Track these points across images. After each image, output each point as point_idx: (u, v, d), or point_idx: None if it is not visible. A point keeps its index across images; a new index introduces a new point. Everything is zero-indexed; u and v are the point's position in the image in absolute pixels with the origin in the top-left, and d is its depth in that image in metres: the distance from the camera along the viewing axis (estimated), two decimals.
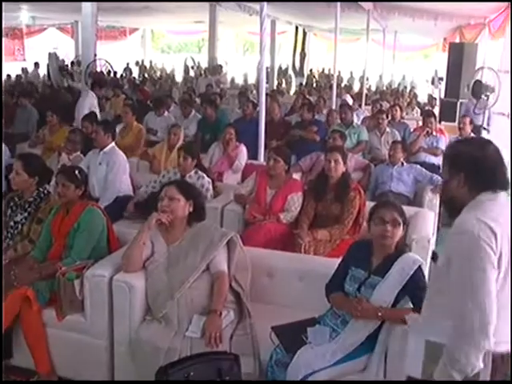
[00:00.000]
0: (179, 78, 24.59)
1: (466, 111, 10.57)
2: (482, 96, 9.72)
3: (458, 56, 12.60)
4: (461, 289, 2.36)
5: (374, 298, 3.38)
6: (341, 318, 3.50)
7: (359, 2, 12.87)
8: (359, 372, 3.34)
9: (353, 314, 3.37)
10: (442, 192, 2.67)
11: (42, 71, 22.00)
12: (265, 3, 7.08)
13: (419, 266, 3.39)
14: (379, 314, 3.31)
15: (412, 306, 3.34)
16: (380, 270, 3.46)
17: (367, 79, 18.04)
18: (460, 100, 11.76)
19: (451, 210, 2.63)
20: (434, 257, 2.61)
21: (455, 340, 2.35)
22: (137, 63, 27.75)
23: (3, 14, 20.46)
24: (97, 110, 9.27)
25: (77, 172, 4.35)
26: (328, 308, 3.65)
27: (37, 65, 22.30)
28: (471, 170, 2.50)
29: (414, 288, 3.31)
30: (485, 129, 10.21)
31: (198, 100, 12.74)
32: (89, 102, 9.58)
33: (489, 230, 2.37)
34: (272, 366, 3.41)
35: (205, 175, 5.86)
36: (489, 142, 2.63)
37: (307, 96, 14.37)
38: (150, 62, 28.78)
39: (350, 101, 12.60)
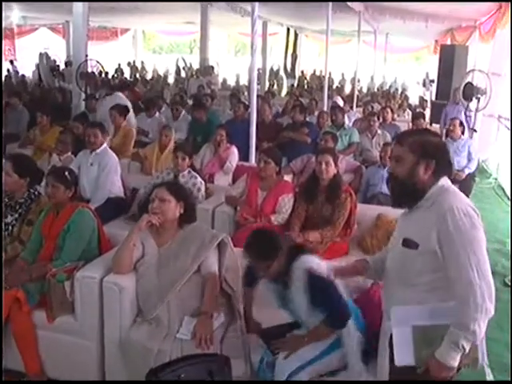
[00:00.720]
0: (171, 78, 24.55)
1: (449, 114, 10.63)
2: (473, 98, 9.78)
3: (449, 58, 12.73)
4: (465, 264, 2.48)
5: (295, 311, 3.46)
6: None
7: (350, 4, 12.87)
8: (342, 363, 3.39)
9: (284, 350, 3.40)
10: (397, 178, 2.72)
11: (28, 71, 21.92)
12: (256, 4, 7.08)
13: (309, 273, 3.24)
14: (305, 339, 3.38)
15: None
16: (277, 281, 3.41)
17: (358, 81, 18.09)
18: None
19: (410, 195, 2.71)
20: (409, 243, 2.65)
21: (468, 312, 2.45)
22: (128, 64, 27.68)
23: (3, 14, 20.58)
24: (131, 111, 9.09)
25: (67, 173, 4.34)
26: None
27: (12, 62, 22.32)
28: (440, 157, 2.68)
29: (317, 293, 3.25)
30: (475, 130, 10.25)
31: (189, 101, 12.74)
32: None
33: (474, 210, 2.60)
34: (262, 367, 3.44)
35: (197, 175, 5.87)
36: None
37: (299, 98, 14.39)
38: (142, 63, 28.70)
39: (340, 102, 12.63)
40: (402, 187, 2.71)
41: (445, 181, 2.69)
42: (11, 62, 23.34)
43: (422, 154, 2.65)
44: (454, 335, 2.49)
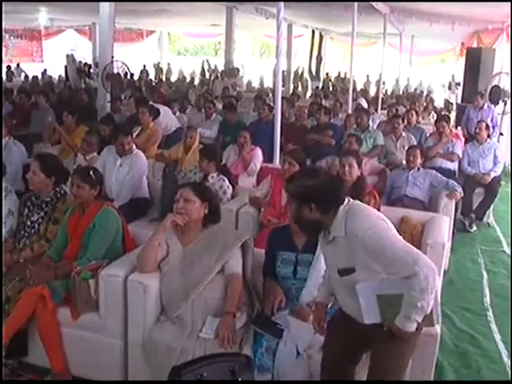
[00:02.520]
0: (196, 80, 24.65)
1: (472, 118, 10.54)
2: (500, 101, 9.69)
3: (476, 61, 12.60)
4: (398, 259, 2.80)
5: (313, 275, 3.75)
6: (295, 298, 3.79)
7: (376, 6, 12.78)
8: None
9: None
10: (296, 219, 3.08)
11: (57, 73, 22.18)
12: (282, 6, 7.07)
13: None
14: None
15: None
16: (307, 247, 3.78)
17: (383, 83, 17.99)
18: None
19: (309, 229, 3.12)
20: (346, 271, 2.97)
21: (414, 295, 2.77)
22: (154, 65, 27.87)
23: (21, 15, 20.85)
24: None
25: (92, 172, 4.38)
26: None
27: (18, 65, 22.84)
28: (318, 200, 2.95)
29: None
30: (501, 134, 10.16)
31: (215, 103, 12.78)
32: None
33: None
34: (262, 353, 3.50)
35: (226, 179, 5.89)
36: (318, 170, 3.31)
37: (323, 100, 14.35)
38: (168, 65, 28.87)
39: (364, 104, 12.57)
40: (299, 225, 3.12)
41: (340, 210, 2.96)
42: (17, 65, 23.71)
43: (301, 201, 2.99)
44: (406, 311, 2.83)
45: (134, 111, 10.16)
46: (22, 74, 22.66)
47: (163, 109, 9.18)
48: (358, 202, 3.09)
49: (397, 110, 11.27)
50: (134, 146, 6.32)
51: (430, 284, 2.75)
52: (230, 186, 5.91)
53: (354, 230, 2.86)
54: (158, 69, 27.48)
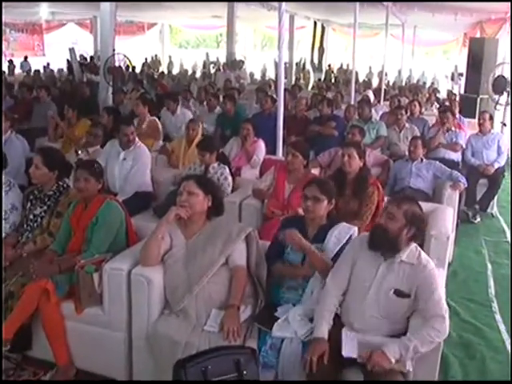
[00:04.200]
0: (198, 73, 24.61)
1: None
2: (504, 92, 9.63)
3: (479, 51, 12.53)
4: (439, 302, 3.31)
5: None
6: (299, 288, 3.85)
7: None
8: None
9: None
10: (386, 231, 3.39)
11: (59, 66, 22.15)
12: None
13: (350, 236, 3.86)
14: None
15: None
16: (318, 238, 3.89)
17: (386, 74, 17.92)
18: (480, 96, 11.68)
19: (390, 247, 3.41)
20: (401, 293, 3.37)
21: (431, 332, 3.21)
22: (151, 58, 27.80)
23: (22, 9, 20.80)
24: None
25: (96, 166, 4.39)
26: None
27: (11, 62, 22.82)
28: (418, 227, 3.43)
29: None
30: (504, 124, 10.11)
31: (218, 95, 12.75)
32: None
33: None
34: (266, 350, 3.50)
35: (226, 167, 5.90)
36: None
37: (325, 91, 14.31)
38: (170, 57, 28.79)
39: (371, 96, 12.52)
40: (386, 239, 3.34)
41: (414, 244, 3.41)
42: (25, 58, 23.67)
43: (410, 220, 3.33)
44: (409, 342, 3.18)
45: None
46: (29, 67, 22.53)
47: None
48: None
49: (399, 101, 11.24)
50: (137, 139, 6.30)
51: (441, 336, 3.22)
52: (228, 172, 5.90)
53: (423, 262, 3.34)
54: (156, 61, 27.35)
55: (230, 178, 5.87)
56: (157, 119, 8.53)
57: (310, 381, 3.28)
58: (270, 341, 3.53)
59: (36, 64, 22.63)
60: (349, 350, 3.25)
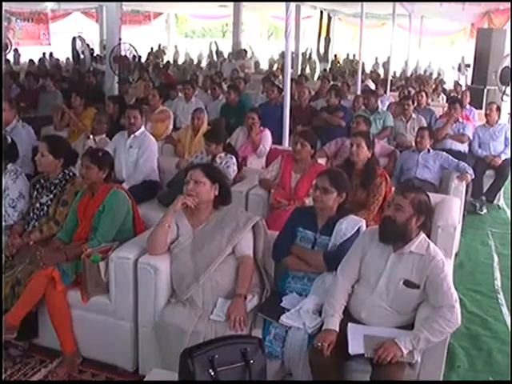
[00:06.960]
0: (203, 62, 24.56)
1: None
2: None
3: (486, 42, 12.47)
4: (447, 293, 3.30)
5: None
6: (305, 278, 3.86)
7: None
8: None
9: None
10: (394, 222, 3.39)
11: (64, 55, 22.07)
12: None
13: (358, 228, 3.85)
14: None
15: None
16: (326, 230, 3.89)
17: (393, 65, 17.83)
18: (487, 87, 11.61)
19: (400, 237, 3.41)
20: (410, 284, 3.38)
21: (442, 322, 3.21)
22: (156, 48, 27.72)
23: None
24: None
25: (101, 154, 4.37)
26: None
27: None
28: (427, 215, 3.47)
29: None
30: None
31: (223, 84, 12.72)
32: None
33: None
34: (271, 340, 3.50)
35: (233, 156, 5.86)
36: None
37: (331, 81, 14.25)
38: (176, 47, 28.71)
39: (372, 86, 12.48)
40: (395, 230, 3.34)
41: (422, 235, 3.42)
42: (15, 50, 23.57)
43: (418, 209, 3.34)
44: (419, 333, 3.19)
45: (142, 94, 10.14)
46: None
47: None
48: None
49: (408, 91, 11.19)
50: (143, 127, 6.28)
51: (452, 326, 3.23)
52: (235, 162, 5.85)
53: (432, 253, 3.34)
54: (160, 51, 27.25)
55: (234, 167, 5.82)
56: (167, 111, 8.47)
57: (310, 381, 3.33)
58: (274, 330, 3.53)
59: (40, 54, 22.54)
60: (355, 346, 3.25)
